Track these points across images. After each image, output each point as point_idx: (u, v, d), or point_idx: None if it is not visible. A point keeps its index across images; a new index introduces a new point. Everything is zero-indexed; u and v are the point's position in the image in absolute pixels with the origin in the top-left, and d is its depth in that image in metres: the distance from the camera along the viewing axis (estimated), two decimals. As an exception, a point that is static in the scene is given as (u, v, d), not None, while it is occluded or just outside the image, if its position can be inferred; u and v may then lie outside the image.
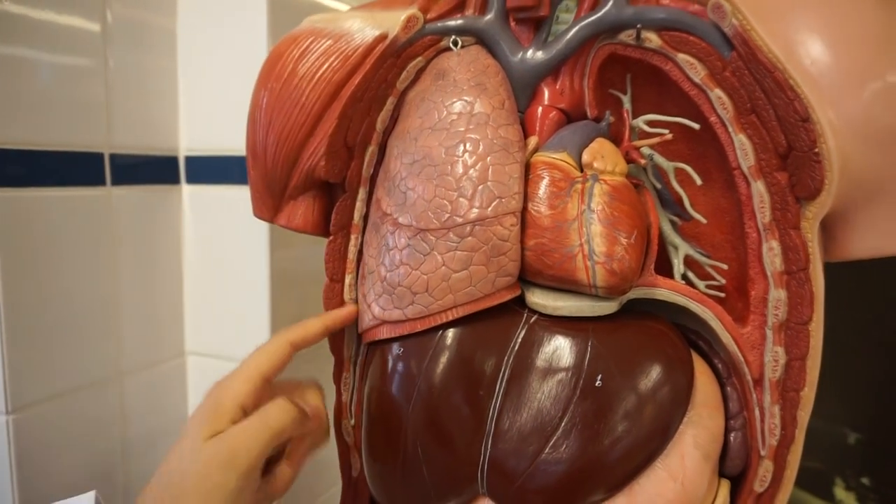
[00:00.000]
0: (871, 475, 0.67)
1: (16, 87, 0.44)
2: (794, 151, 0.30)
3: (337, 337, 0.37)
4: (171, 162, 0.56)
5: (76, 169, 0.48)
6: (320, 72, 0.35)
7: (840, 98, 0.28)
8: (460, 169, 0.31)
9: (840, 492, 0.70)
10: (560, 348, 0.30)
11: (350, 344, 0.37)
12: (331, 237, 0.37)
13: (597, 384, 0.29)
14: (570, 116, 0.35)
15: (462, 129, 0.32)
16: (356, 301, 0.36)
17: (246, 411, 0.32)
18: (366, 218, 0.37)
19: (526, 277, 0.32)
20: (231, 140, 0.54)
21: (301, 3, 0.56)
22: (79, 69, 0.48)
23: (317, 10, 0.57)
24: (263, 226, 0.54)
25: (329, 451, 0.39)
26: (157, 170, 0.55)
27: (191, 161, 0.57)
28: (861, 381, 0.66)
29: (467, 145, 0.31)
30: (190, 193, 0.57)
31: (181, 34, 0.56)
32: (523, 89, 0.35)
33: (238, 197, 0.55)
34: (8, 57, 0.43)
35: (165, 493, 0.30)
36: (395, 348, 0.33)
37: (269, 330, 0.55)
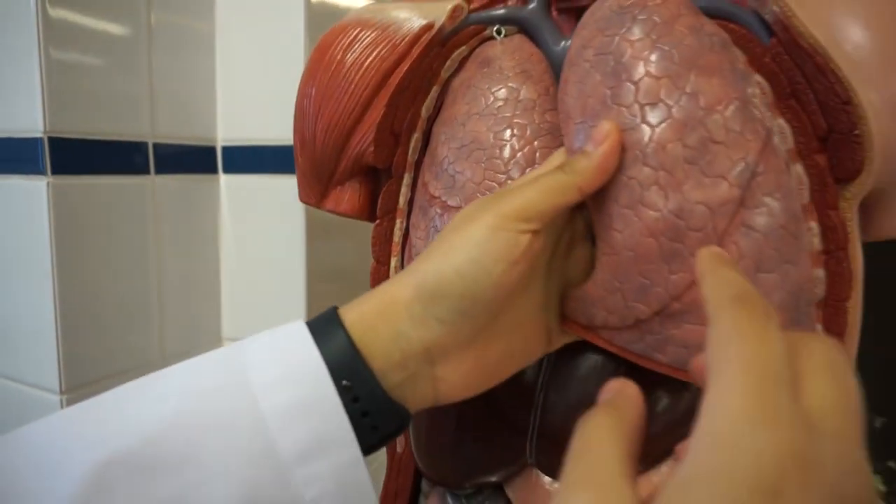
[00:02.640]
0: (896, 459, 0.68)
1: (67, 80, 0.45)
2: (833, 134, 0.31)
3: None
4: (210, 152, 0.58)
5: (123, 157, 0.50)
6: (368, 60, 0.36)
7: (882, 81, 0.29)
8: (508, 152, 0.32)
9: (865, 476, 0.71)
10: (606, 325, 0.31)
11: (396, 324, 0.38)
12: (377, 221, 0.38)
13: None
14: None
15: (509, 114, 0.33)
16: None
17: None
18: (410, 203, 0.38)
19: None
20: (265, 130, 0.56)
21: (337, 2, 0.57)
22: (125, 64, 0.50)
23: (352, 6, 0.59)
24: (299, 215, 0.55)
25: None
26: (196, 159, 0.56)
27: (227, 151, 0.58)
28: (888, 366, 0.67)
29: (515, 130, 0.33)
30: (227, 183, 0.59)
31: (219, 34, 0.57)
32: (565, 77, 0.36)
33: (273, 186, 0.56)
34: (65, 60, 0.45)
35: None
36: (444, 326, 0.34)
37: (305, 315, 0.56)
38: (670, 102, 0.26)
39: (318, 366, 0.25)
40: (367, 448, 0.26)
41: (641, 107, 0.27)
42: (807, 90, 0.31)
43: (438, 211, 0.34)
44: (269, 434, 0.23)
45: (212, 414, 0.24)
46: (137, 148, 0.51)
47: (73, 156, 0.45)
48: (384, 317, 0.27)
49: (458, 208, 0.33)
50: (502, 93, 0.34)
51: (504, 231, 0.26)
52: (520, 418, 0.32)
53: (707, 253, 0.24)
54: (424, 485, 0.40)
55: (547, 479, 0.32)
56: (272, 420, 0.24)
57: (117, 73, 0.49)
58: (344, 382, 0.25)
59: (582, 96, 0.28)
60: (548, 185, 0.27)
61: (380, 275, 0.38)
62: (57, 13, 0.44)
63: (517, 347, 0.29)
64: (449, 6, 0.36)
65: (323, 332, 0.26)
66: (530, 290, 0.29)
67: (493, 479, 0.34)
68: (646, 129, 0.26)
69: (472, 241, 0.26)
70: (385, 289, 0.28)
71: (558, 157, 0.31)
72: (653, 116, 0.26)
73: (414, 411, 0.28)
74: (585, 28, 0.31)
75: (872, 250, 0.34)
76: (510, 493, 0.33)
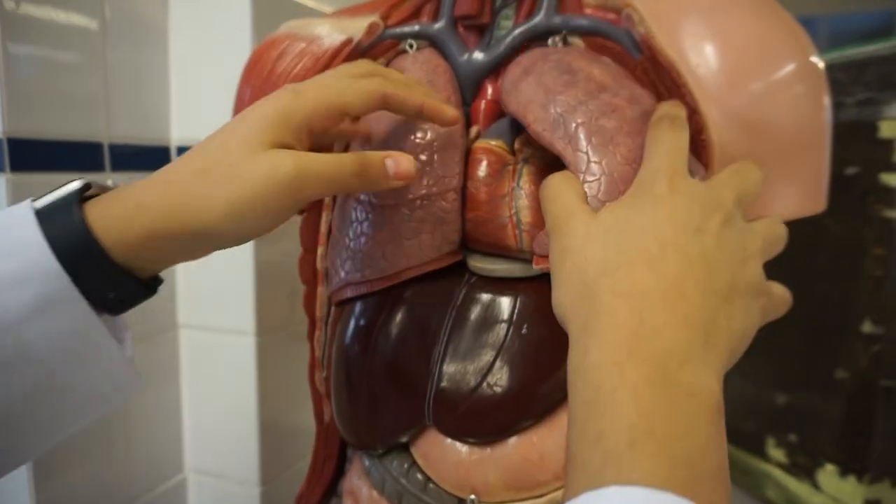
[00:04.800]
0: (797, 432, 0.74)
1: (25, 82, 0.49)
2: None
3: (310, 299, 0.42)
4: (164, 152, 0.61)
5: (79, 156, 0.53)
6: (295, 70, 0.41)
7: (721, 98, 0.34)
8: (409, 152, 0.37)
9: (771, 449, 0.77)
10: (494, 303, 0.36)
11: (322, 305, 0.43)
12: (305, 214, 0.42)
13: (523, 332, 0.35)
14: (510, 109, 0.41)
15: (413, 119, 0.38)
16: (326, 269, 0.42)
17: (311, 137, 0.31)
18: (335, 198, 0.42)
19: (467, 245, 0.38)
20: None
21: (282, 6, 0.61)
22: (81, 65, 0.53)
23: (297, 11, 0.63)
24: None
25: (303, 423, 0.45)
26: (151, 159, 0.60)
27: (182, 151, 0.62)
28: (788, 347, 0.72)
29: (418, 133, 0.37)
30: (181, 180, 0.62)
31: (173, 31, 0.61)
32: (469, 86, 0.41)
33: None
34: (25, 57, 0.48)
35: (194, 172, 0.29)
36: (358, 306, 0.39)
37: (253, 302, 0.60)
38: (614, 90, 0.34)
39: (33, 235, 0.27)
40: (116, 309, 0.30)
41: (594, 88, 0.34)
42: (667, 99, 0.36)
43: (354, 205, 0.38)
44: None
45: None
46: (94, 148, 0.54)
47: (32, 155, 0.49)
48: (135, 222, 0.28)
49: (368, 202, 0.37)
50: (410, 100, 0.39)
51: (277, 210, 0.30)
52: (420, 388, 0.36)
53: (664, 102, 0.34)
54: (348, 450, 0.45)
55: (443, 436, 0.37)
56: None
57: (74, 70, 0.52)
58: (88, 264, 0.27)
59: (542, 85, 0.35)
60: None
61: (306, 262, 0.42)
62: (15, 7, 0.47)
63: None
64: (366, 23, 0.41)
65: (57, 216, 0.28)
66: None
67: (402, 439, 0.38)
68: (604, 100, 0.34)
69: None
70: (136, 189, 0.29)
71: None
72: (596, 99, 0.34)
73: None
74: (529, 56, 0.38)
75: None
76: (414, 450, 0.38)
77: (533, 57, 0.37)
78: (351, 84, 0.32)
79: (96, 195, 0.30)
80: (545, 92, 0.34)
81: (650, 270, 0.27)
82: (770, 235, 0.32)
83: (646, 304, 0.26)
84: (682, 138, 0.32)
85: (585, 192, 0.32)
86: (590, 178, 0.32)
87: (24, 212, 0.28)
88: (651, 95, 0.36)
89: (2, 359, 0.26)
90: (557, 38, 0.39)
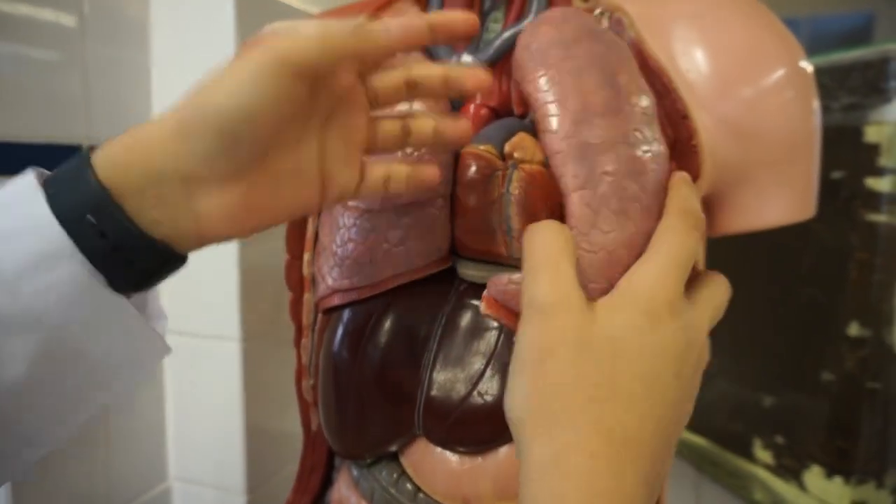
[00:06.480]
0: (783, 434, 0.74)
1: (5, 81, 0.47)
2: (678, 143, 0.35)
3: (296, 306, 0.42)
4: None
5: (56, 159, 0.52)
6: (280, 73, 0.40)
7: (712, 103, 0.34)
8: (398, 160, 0.36)
9: (758, 451, 0.77)
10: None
11: (308, 312, 0.42)
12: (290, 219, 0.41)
13: (514, 339, 0.35)
14: (499, 113, 0.41)
15: (401, 123, 0.37)
16: (313, 275, 0.41)
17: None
18: (322, 202, 0.42)
19: (457, 251, 0.37)
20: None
21: (265, 3, 0.60)
22: (58, 63, 0.52)
23: (281, 9, 0.62)
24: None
25: (289, 429, 0.44)
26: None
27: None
28: (775, 350, 0.73)
29: (406, 138, 0.36)
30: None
31: (154, 27, 0.59)
32: (458, 90, 0.40)
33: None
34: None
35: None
36: (346, 313, 0.38)
37: (238, 306, 0.59)
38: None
39: (32, 191, 0.26)
40: (134, 283, 0.28)
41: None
42: (658, 104, 0.36)
43: (341, 210, 0.38)
44: None
45: None
46: (72, 151, 0.53)
47: (5, 158, 0.48)
48: (137, 153, 0.27)
49: (356, 208, 0.37)
50: (398, 105, 0.38)
51: (275, 76, 0.27)
52: (410, 396, 0.36)
53: (678, 175, 0.32)
54: (336, 460, 0.44)
55: (434, 446, 0.36)
56: None
57: (52, 69, 0.51)
58: (89, 217, 0.26)
59: (579, 85, 0.31)
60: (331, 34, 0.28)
61: (293, 269, 0.42)
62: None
63: (287, 193, 0.30)
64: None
65: (69, 173, 0.27)
66: (303, 142, 0.29)
67: (391, 448, 0.38)
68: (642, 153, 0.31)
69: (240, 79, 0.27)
70: (142, 127, 0.28)
71: None
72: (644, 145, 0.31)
73: (184, 250, 0.29)
74: (569, 23, 0.32)
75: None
76: (403, 460, 0.37)
77: (574, 27, 0.32)
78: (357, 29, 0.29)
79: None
80: (581, 99, 0.30)
81: (629, 412, 0.26)
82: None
83: (620, 457, 0.25)
84: (694, 245, 0.29)
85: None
86: (586, 247, 0.29)
87: (29, 175, 0.28)
88: (666, 149, 0.32)
89: (1, 315, 0.25)
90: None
